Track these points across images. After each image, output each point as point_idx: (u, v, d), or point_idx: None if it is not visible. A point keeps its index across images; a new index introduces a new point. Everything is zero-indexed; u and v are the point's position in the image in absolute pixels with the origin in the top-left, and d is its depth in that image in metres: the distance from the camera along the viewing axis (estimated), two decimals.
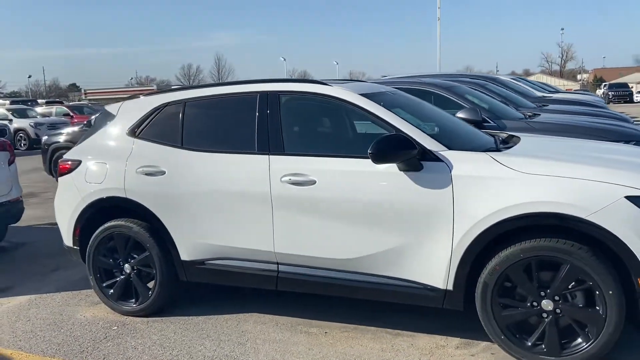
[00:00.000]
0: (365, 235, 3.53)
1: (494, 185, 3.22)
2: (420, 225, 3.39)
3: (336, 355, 3.52)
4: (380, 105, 3.68)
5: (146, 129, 4.29)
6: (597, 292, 3.06)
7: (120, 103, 4.59)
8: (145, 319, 4.23)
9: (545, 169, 3.20)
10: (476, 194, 3.25)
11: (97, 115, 5.98)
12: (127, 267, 4.30)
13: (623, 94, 35.96)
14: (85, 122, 11.21)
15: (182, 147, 4.11)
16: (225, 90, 4.15)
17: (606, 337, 3.07)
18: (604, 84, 49.67)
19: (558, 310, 3.17)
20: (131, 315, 4.30)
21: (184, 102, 4.23)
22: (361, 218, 3.52)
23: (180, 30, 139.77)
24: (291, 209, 3.69)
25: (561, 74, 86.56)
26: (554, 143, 4.27)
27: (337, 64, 76.74)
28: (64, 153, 4.91)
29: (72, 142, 11.05)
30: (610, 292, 3.02)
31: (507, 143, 3.89)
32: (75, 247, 4.48)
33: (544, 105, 8.79)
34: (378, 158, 3.38)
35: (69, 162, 4.50)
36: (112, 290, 4.37)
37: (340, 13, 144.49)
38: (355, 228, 3.55)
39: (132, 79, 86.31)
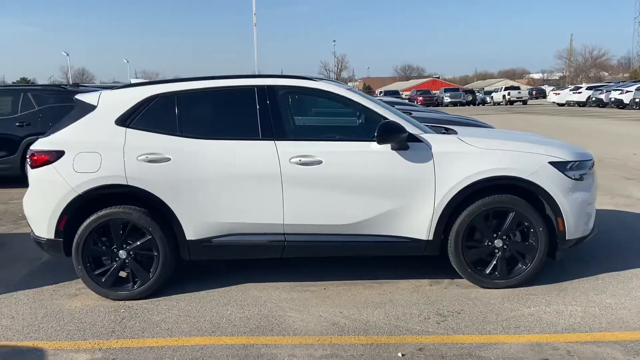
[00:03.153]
0: (365, 203, 4.38)
1: (464, 159, 4.37)
2: (409, 192, 4.37)
3: (348, 301, 4.32)
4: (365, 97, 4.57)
5: (138, 119, 4.48)
6: (532, 230, 4.41)
7: (97, 93, 4.65)
8: (146, 301, 4.43)
9: (496, 145, 4.47)
10: (451, 166, 4.35)
11: None
12: (122, 253, 4.44)
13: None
14: None
15: (180, 135, 4.44)
16: (219, 84, 4.59)
17: (538, 261, 4.44)
18: (379, 91, 56.57)
19: (505, 246, 4.45)
20: (127, 300, 4.45)
21: (176, 94, 4.54)
22: (361, 189, 4.36)
23: None
24: (300, 186, 4.35)
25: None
26: (479, 131, 5.64)
27: (128, 62, 73.49)
28: None
29: None
30: (540, 229, 4.39)
31: (448, 131, 5.09)
32: (57, 239, 4.43)
33: None
34: (382, 140, 4.28)
35: (47, 154, 4.43)
36: (104, 278, 4.45)
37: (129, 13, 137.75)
38: (356, 198, 4.37)
39: None
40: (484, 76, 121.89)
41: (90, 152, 4.39)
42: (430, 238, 4.43)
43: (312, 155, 4.35)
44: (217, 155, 4.38)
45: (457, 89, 58.86)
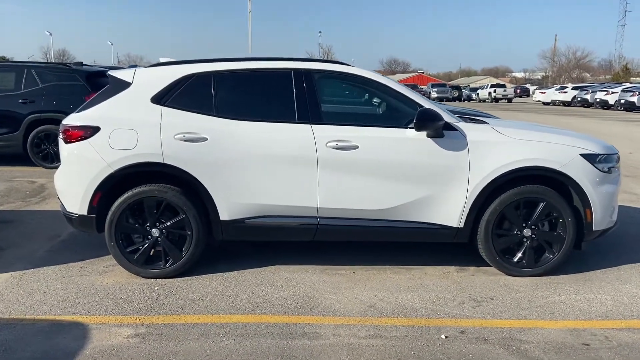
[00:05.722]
0: (399, 189, 4.42)
1: (498, 148, 4.43)
2: (443, 179, 4.43)
3: (379, 285, 4.37)
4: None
5: (174, 98, 4.45)
6: (561, 220, 4.50)
7: (131, 70, 4.61)
8: (178, 279, 4.43)
9: (529, 136, 4.54)
10: (486, 154, 4.41)
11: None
12: (154, 232, 4.42)
13: None
14: None
15: (217, 115, 4.42)
16: (256, 65, 4.58)
17: (565, 251, 4.54)
18: None
19: (534, 235, 4.54)
20: (158, 278, 4.44)
21: (211, 74, 4.52)
22: (396, 175, 4.40)
23: None
24: (335, 170, 4.38)
25: None
26: (508, 121, 5.71)
27: (112, 44, 72.67)
28: None
29: None
30: (569, 220, 4.49)
31: (476, 121, 5.15)
32: (90, 215, 4.39)
33: None
34: (420, 127, 4.32)
35: (82, 129, 4.38)
36: (136, 256, 4.43)
37: None
38: (391, 184, 4.41)
39: None
40: (467, 73, 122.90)
41: (127, 129, 4.35)
42: (462, 226, 4.49)
43: (349, 140, 4.37)
44: (254, 137, 4.37)
45: (444, 85, 59.15)
